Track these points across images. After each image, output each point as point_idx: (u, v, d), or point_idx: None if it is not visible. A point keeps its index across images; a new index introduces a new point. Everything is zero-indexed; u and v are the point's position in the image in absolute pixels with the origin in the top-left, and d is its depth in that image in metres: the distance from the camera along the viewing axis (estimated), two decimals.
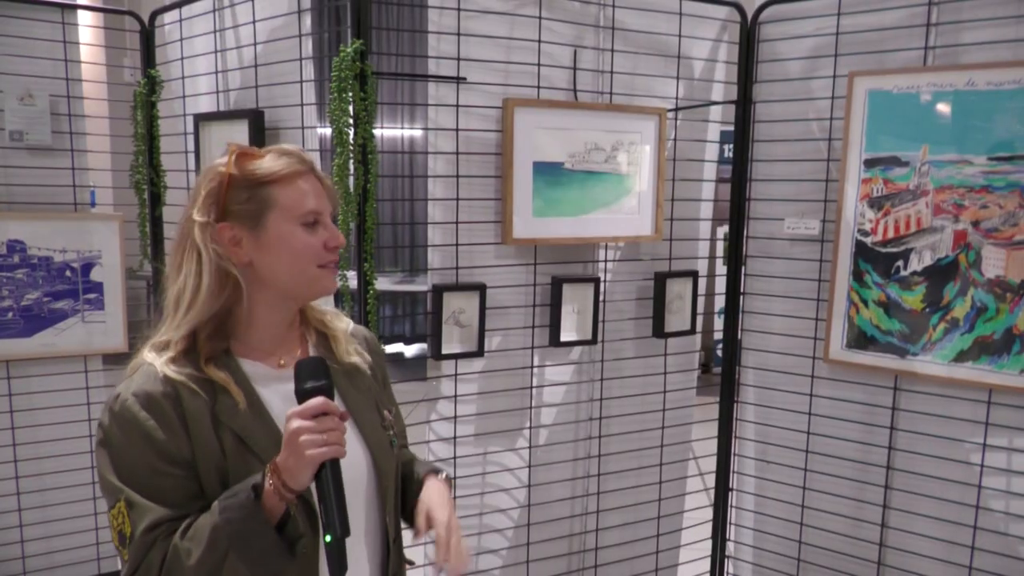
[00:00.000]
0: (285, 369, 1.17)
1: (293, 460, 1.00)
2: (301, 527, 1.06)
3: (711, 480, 2.57)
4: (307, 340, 1.25)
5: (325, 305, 1.31)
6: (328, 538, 1.00)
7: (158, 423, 1.07)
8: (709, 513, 2.57)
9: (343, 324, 1.29)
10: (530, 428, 2.32)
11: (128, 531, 1.05)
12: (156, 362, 1.11)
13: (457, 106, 2.09)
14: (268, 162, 1.14)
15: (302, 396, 1.04)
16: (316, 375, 1.05)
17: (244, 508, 1.01)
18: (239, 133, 2.22)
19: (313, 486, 1.03)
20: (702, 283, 2.51)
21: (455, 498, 2.22)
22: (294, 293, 1.17)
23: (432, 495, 1.28)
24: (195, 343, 1.13)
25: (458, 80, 2.09)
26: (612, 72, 2.28)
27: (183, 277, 1.12)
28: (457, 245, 2.14)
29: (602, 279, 2.33)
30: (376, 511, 1.24)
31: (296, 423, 1.00)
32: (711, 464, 2.55)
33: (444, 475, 1.35)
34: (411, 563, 1.36)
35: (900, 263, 2.09)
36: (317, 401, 1.02)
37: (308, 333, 1.25)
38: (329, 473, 1.01)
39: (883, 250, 2.11)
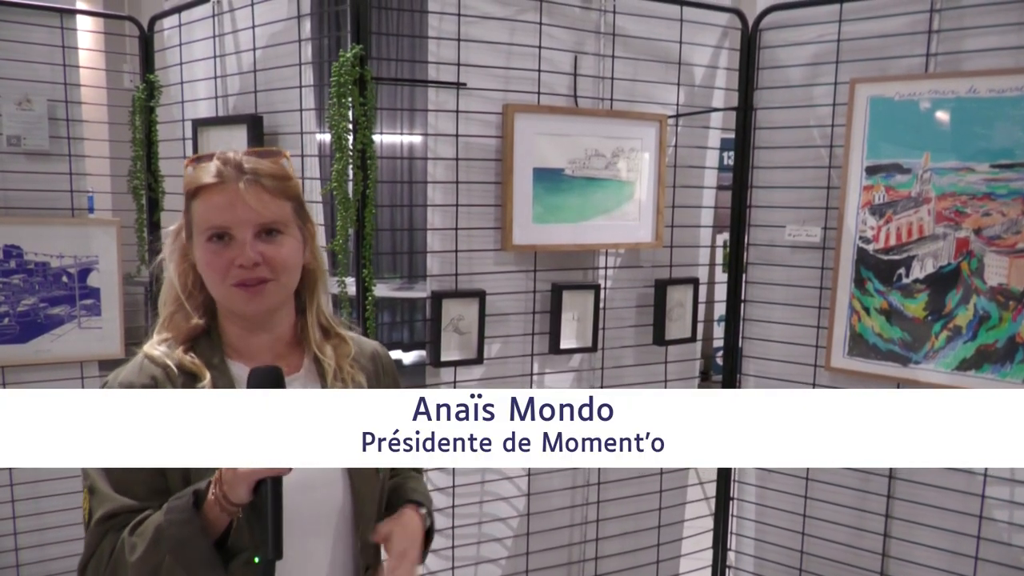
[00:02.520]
0: None
1: (230, 474, 0.98)
2: (243, 542, 1.04)
3: (712, 489, 2.55)
4: (304, 356, 1.22)
5: (341, 327, 1.27)
6: (257, 559, 0.98)
7: None
8: (710, 522, 2.55)
9: (346, 349, 1.24)
10: None
11: (87, 518, 1.09)
12: (146, 346, 1.16)
13: (457, 112, 2.09)
14: (196, 173, 1.12)
15: None
16: (267, 384, 1.02)
17: (183, 513, 1.01)
18: (238, 138, 2.21)
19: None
20: (702, 290, 2.50)
21: (453, 506, 2.20)
22: (223, 306, 1.16)
23: (404, 520, 1.22)
24: (171, 332, 1.16)
25: (458, 86, 2.08)
26: (613, 78, 2.27)
27: None
28: (456, 251, 2.13)
29: (602, 286, 2.32)
30: (349, 536, 1.20)
31: None
32: (711, 473, 2.54)
33: (424, 511, 1.28)
34: None
35: (902, 271, 2.08)
36: None
37: (307, 350, 1.22)
38: (268, 490, 0.98)
39: (885, 257, 2.10)
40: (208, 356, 1.15)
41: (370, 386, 1.26)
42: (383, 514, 1.27)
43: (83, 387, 2.38)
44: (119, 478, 1.07)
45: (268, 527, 0.98)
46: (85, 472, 1.10)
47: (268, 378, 1.02)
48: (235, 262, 1.09)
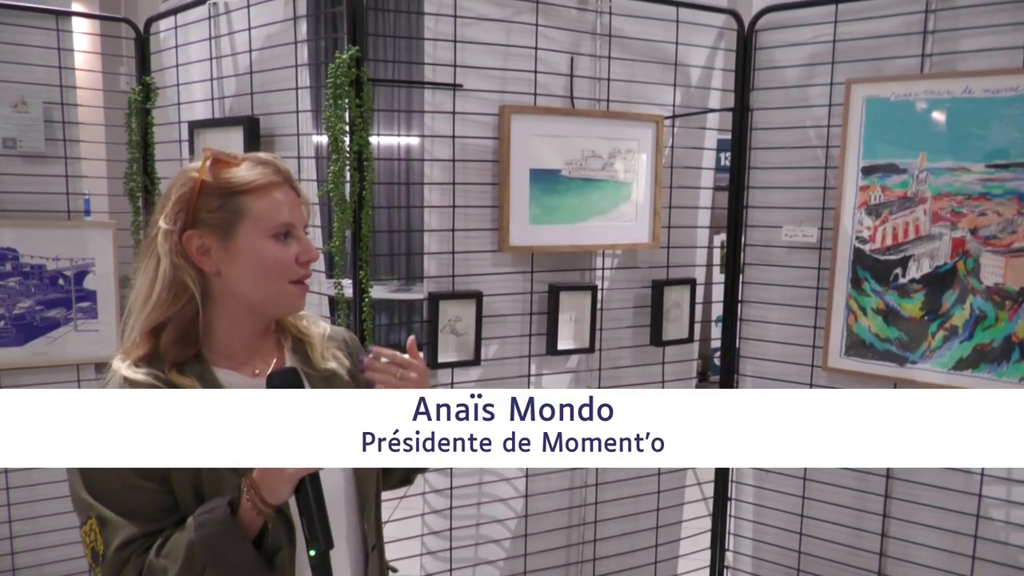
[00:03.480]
0: (260, 378, 1.15)
1: (272, 476, 0.99)
2: (279, 540, 1.05)
3: (709, 489, 2.55)
4: (283, 346, 1.22)
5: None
6: (312, 552, 1.00)
7: None
8: (708, 523, 2.55)
9: (319, 329, 1.26)
10: None
11: (101, 549, 1.04)
12: (120, 368, 1.09)
13: (454, 113, 2.09)
14: (243, 171, 1.11)
15: None
16: (291, 386, 1.03)
17: (220, 524, 0.99)
18: (234, 140, 2.21)
19: (292, 500, 1.01)
20: (700, 291, 2.50)
21: (451, 508, 2.20)
22: (260, 307, 1.14)
23: None
24: (158, 348, 1.10)
25: (454, 87, 2.08)
26: (609, 79, 2.27)
27: (139, 282, 1.11)
28: (453, 253, 2.13)
29: (599, 287, 2.32)
30: (355, 516, 1.21)
31: None
32: (709, 473, 2.54)
33: None
34: (394, 570, 1.34)
35: (898, 270, 2.08)
36: None
37: (284, 339, 1.22)
38: (309, 487, 1.00)
39: (881, 257, 2.10)
40: (198, 371, 1.11)
41: (349, 369, 1.26)
42: (380, 489, 1.29)
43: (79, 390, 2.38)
44: (123, 503, 1.04)
45: (316, 520, 1.00)
46: (85, 504, 1.05)
47: (287, 379, 1.04)
48: (299, 259, 1.11)
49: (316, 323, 1.27)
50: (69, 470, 1.07)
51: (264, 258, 1.10)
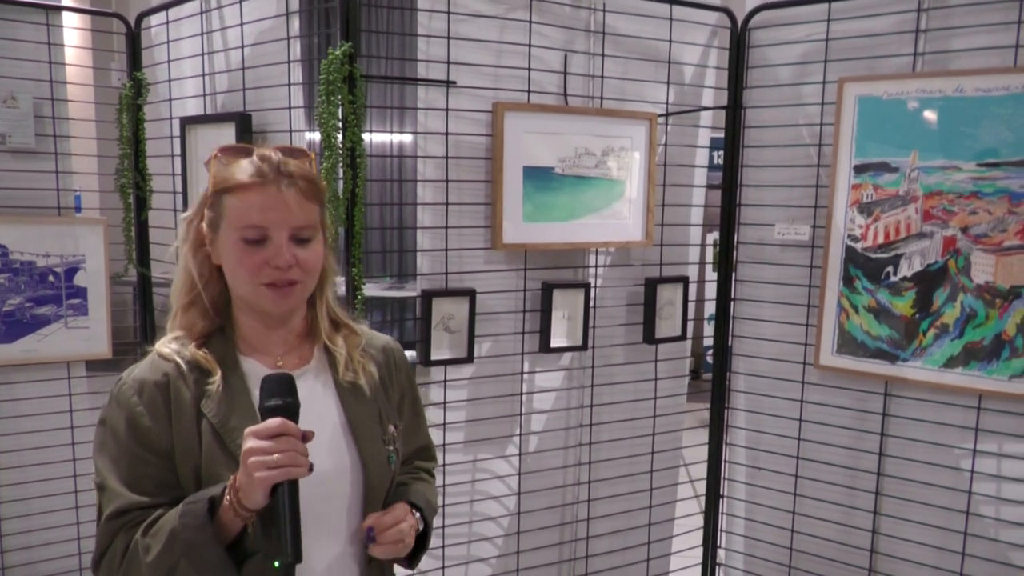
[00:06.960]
0: (281, 369, 1.16)
1: (245, 480, 1.00)
2: (254, 546, 1.06)
3: (702, 487, 2.56)
4: (314, 347, 1.23)
5: (347, 317, 1.27)
6: (276, 564, 0.99)
7: (146, 410, 1.10)
8: (700, 520, 2.56)
9: (356, 340, 1.25)
10: (520, 435, 2.30)
11: (98, 512, 1.11)
12: (157, 343, 1.16)
13: (447, 110, 2.08)
14: (230, 169, 1.12)
15: (264, 414, 1.03)
16: (280, 393, 1.03)
17: (198, 518, 1.02)
18: (226, 136, 2.20)
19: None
20: (692, 289, 2.50)
21: (444, 505, 2.20)
22: (248, 303, 1.16)
23: (394, 509, 1.21)
24: (188, 326, 1.17)
25: (448, 84, 2.07)
26: (603, 77, 2.27)
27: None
28: (447, 250, 2.13)
29: (592, 285, 2.32)
30: (357, 521, 1.20)
31: (250, 442, 1.00)
32: (701, 471, 2.54)
33: (419, 515, 1.27)
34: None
35: (890, 269, 2.09)
36: (273, 422, 1.01)
37: (316, 342, 1.23)
38: (285, 496, 0.99)
39: (873, 256, 2.11)
40: (221, 352, 1.15)
41: (381, 376, 1.26)
42: (388, 500, 1.26)
43: (70, 387, 2.36)
44: (129, 472, 1.09)
45: (286, 532, 0.99)
46: (96, 466, 1.11)
47: (281, 385, 1.04)
48: (270, 263, 1.10)
49: (351, 335, 1.25)
50: (96, 430, 1.14)
51: (232, 258, 1.12)
